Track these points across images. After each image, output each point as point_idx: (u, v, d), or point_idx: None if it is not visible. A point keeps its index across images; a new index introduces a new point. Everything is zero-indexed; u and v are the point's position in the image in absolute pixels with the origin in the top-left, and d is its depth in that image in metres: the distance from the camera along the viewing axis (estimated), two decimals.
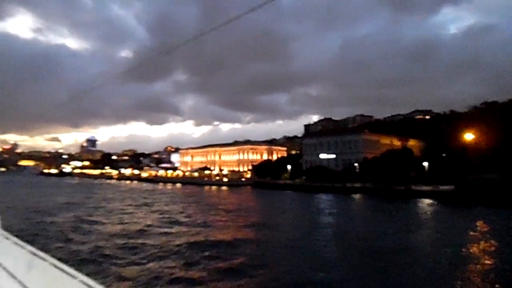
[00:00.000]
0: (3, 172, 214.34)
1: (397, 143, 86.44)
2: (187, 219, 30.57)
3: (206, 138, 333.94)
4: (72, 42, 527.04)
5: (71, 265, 3.46)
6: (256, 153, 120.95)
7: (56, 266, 3.78)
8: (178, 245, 19.89)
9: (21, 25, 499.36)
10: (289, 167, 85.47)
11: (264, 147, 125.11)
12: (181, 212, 35.34)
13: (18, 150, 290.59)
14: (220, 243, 20.71)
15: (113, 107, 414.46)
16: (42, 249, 4.46)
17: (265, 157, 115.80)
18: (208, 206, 41.89)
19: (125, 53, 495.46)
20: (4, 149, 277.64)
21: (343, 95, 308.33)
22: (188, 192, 69.31)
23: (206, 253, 18.11)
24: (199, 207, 40.32)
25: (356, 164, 71.49)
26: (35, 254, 4.40)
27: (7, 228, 6.23)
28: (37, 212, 34.09)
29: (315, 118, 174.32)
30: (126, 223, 28.25)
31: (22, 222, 27.11)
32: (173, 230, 24.86)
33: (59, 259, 3.79)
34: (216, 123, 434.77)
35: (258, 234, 23.94)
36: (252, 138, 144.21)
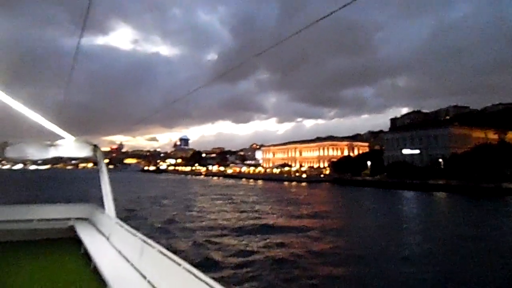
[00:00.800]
0: (111, 169, 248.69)
1: (493, 136, 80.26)
2: (260, 211, 32.68)
3: (289, 134, 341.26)
4: (165, 50, 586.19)
5: (176, 253, 3.86)
6: (337, 149, 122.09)
7: (163, 253, 4.30)
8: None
9: (122, 38, 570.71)
10: (369, 163, 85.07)
11: (345, 143, 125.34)
12: (256, 206, 37.67)
13: (124, 150, 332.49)
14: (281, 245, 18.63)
15: (202, 108, 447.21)
16: (150, 237, 5.23)
17: (346, 153, 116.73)
18: (283, 199, 45.23)
19: (211, 56, 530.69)
20: (112, 148, 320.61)
21: (435, 85, 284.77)
22: (267, 187, 74.47)
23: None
24: (273, 200, 43.82)
25: (440, 160, 68.53)
26: (145, 242, 5.01)
27: (120, 217, 7.32)
28: (138, 203, 38.21)
29: (404, 110, 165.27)
30: (212, 212, 31.82)
31: (127, 212, 28.95)
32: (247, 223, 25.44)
33: (166, 247, 4.34)
34: (299, 119, 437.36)
35: (334, 236, 21.44)
36: (336, 134, 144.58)
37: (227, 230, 22.68)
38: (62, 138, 7.41)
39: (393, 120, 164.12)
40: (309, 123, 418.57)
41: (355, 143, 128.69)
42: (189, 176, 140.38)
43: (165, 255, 4.26)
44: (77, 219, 9.35)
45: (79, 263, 6.66)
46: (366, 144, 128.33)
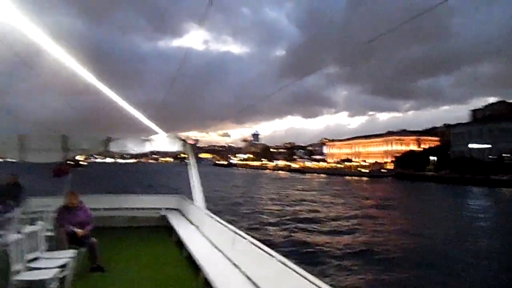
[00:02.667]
0: (187, 163, 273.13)
1: None
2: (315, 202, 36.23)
3: (362, 128, 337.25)
4: (236, 48, 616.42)
5: (265, 243, 4.23)
6: (403, 144, 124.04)
7: (255, 245, 4.68)
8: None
9: (194, 39, 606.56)
10: (432, 158, 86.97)
11: (412, 137, 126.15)
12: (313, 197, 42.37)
13: (199, 145, 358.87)
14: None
15: (271, 103, 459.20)
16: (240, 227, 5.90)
17: (412, 147, 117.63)
18: (342, 193, 48.90)
19: (279, 52, 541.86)
20: (191, 145, 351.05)
21: None
22: (328, 181, 79.16)
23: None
24: (327, 194, 46.74)
25: (504, 155, 69.13)
26: (236, 233, 5.57)
27: (208, 209, 8.18)
28: (216, 192, 41.59)
29: (491, 100, 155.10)
30: (278, 203, 35.26)
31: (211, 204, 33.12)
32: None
33: (257, 239, 4.73)
34: (371, 113, 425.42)
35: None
36: (412, 127, 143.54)
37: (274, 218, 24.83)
38: (156, 133, 8.24)
39: (474, 112, 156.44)
40: (383, 117, 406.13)
41: (423, 138, 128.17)
42: (257, 170, 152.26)
43: (257, 246, 4.59)
44: (168, 209, 10.69)
45: (172, 250, 7.53)
46: (436, 138, 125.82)
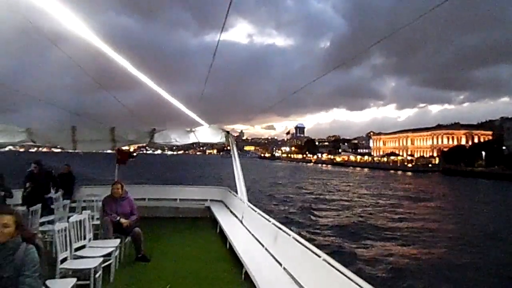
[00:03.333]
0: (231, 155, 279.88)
1: None
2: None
3: (412, 121, 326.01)
4: (280, 41, 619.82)
5: (310, 240, 4.17)
6: (452, 138, 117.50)
7: (299, 242, 4.49)
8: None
9: (240, 33, 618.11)
10: (483, 153, 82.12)
11: (462, 131, 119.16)
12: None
13: (244, 137, 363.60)
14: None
15: (316, 96, 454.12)
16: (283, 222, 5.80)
17: (463, 142, 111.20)
18: (379, 186, 50.09)
19: (324, 43, 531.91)
20: (233, 136, 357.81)
21: None
22: (370, 175, 78.90)
23: None
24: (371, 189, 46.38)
25: None
26: (280, 228, 5.38)
27: (251, 201, 8.05)
28: (260, 185, 43.60)
29: None
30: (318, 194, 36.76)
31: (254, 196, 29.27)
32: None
33: (301, 235, 4.79)
34: (421, 105, 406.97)
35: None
36: (467, 120, 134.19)
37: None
38: (200, 125, 8.22)
39: None
40: (435, 109, 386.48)
41: (475, 132, 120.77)
42: (299, 164, 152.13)
43: (301, 244, 4.38)
44: (212, 200, 10.67)
45: (216, 241, 7.60)
46: (489, 132, 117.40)
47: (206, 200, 10.61)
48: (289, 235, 4.89)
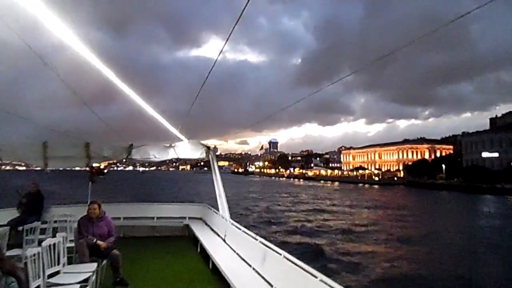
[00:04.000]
0: (205, 171, 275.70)
1: None
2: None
3: (381, 136, 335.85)
4: (253, 57, 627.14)
5: (303, 261, 3.78)
6: (417, 152, 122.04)
7: (292, 261, 4.12)
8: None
9: (213, 48, 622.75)
10: (443, 166, 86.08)
11: (426, 146, 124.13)
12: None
13: (218, 153, 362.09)
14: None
15: (289, 111, 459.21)
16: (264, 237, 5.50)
17: (426, 156, 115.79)
18: (346, 197, 53.01)
19: (295, 60, 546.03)
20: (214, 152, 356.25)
21: None
22: (339, 189, 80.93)
23: None
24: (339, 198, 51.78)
25: None
26: (268, 247, 5.02)
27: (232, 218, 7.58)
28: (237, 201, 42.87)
29: None
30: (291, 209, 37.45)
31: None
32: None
33: (291, 253, 4.22)
34: (389, 120, 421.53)
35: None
36: (432, 135, 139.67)
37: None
38: (179, 140, 7.82)
39: (493, 120, 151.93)
40: (402, 124, 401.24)
41: (437, 146, 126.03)
42: (272, 178, 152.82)
43: (294, 263, 4.03)
44: (191, 218, 10.07)
45: (197, 261, 7.11)
46: (450, 147, 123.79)
47: (185, 217, 10.06)
48: (280, 254, 4.54)
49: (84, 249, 5.33)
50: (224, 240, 7.42)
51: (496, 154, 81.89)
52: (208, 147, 8.22)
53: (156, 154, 7.64)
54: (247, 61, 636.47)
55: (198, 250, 7.79)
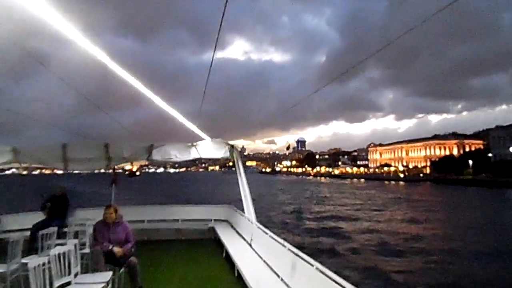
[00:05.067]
0: (232, 171, 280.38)
1: None
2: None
3: (412, 131, 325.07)
4: (277, 57, 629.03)
5: (337, 273, 3.32)
6: (444, 148, 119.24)
7: (324, 274, 3.60)
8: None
9: (237, 50, 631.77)
10: (470, 162, 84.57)
11: (454, 141, 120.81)
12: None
13: (246, 153, 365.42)
14: None
15: (315, 109, 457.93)
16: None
17: (455, 152, 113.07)
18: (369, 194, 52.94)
19: (319, 58, 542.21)
20: (238, 151, 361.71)
21: None
22: (365, 186, 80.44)
23: None
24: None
25: None
26: (297, 255, 4.45)
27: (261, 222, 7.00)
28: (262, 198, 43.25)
29: None
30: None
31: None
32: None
33: (323, 264, 3.69)
34: (420, 115, 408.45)
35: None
36: (465, 129, 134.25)
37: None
38: (201, 139, 7.53)
39: None
40: (434, 119, 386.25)
41: (467, 141, 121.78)
42: (299, 177, 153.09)
43: (329, 277, 3.51)
44: (217, 220, 9.74)
45: (222, 267, 6.67)
46: (480, 142, 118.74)
47: (210, 220, 9.73)
48: (312, 265, 3.98)
49: (99, 256, 4.93)
50: (250, 245, 6.97)
51: None
52: (232, 146, 7.78)
53: (178, 154, 7.28)
54: (272, 61, 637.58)
55: (224, 255, 7.31)
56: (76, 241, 4.97)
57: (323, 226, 24.55)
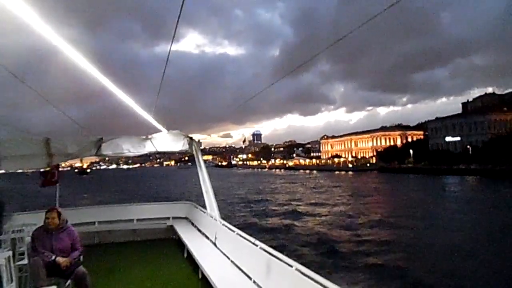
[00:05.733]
0: (189, 166, 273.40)
1: None
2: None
3: (363, 123, 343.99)
4: (231, 50, 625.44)
5: (320, 274, 3.05)
6: (389, 139, 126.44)
7: (307, 275, 3.19)
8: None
9: (191, 43, 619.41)
10: (411, 151, 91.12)
11: (398, 132, 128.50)
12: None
13: (202, 147, 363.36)
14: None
15: (269, 102, 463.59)
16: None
17: (398, 142, 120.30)
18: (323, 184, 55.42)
19: (273, 52, 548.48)
20: (197, 143, 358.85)
21: None
22: (315, 176, 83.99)
23: None
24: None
25: (468, 147, 74.08)
26: (271, 254, 3.97)
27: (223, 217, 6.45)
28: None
29: (489, 90, 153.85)
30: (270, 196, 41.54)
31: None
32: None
33: (305, 265, 3.33)
34: (369, 108, 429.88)
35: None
36: (410, 121, 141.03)
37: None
38: (157, 132, 6.89)
39: (464, 104, 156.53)
40: (382, 111, 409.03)
41: (409, 132, 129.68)
42: (255, 170, 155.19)
43: (312, 278, 3.09)
44: (176, 218, 9.09)
45: (184, 269, 6.22)
46: (420, 132, 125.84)
47: (169, 218, 9.01)
48: (290, 265, 3.50)
49: (39, 269, 4.18)
50: (214, 244, 6.38)
51: (458, 138, 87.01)
52: (191, 138, 7.17)
53: (131, 148, 6.57)
54: (226, 54, 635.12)
55: (185, 255, 6.82)
56: (9, 253, 4.03)
57: (272, 210, 28.08)
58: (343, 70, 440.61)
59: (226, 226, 6.03)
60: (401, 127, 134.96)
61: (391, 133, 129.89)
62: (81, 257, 4.75)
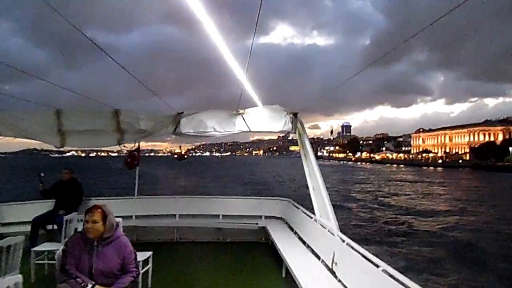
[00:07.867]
0: (275, 156, 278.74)
1: None
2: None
3: (466, 116, 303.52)
4: (321, 40, 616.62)
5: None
6: (489, 134, 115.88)
7: None
8: None
9: (280, 35, 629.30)
10: (510, 149, 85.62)
11: (499, 127, 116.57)
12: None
13: (289, 138, 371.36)
14: None
15: (359, 93, 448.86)
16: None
17: (500, 138, 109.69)
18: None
19: (364, 41, 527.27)
20: (278, 137, 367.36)
21: None
22: (401, 171, 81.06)
23: None
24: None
25: None
26: (395, 279, 2.73)
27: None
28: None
29: None
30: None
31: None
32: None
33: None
34: (473, 99, 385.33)
35: None
36: None
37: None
38: (253, 106, 4.97)
39: None
40: (490, 102, 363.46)
41: None
42: (340, 162, 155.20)
43: None
44: (269, 217, 7.58)
45: (278, 281, 5.02)
46: None
47: (260, 217, 7.56)
48: None
49: None
50: (330, 270, 4.22)
51: None
52: (295, 114, 4.79)
53: (216, 126, 4.67)
54: (315, 45, 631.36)
55: (283, 273, 5.16)
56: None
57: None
58: (442, 58, 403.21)
59: (351, 247, 3.78)
60: (507, 122, 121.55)
61: (492, 128, 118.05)
62: (136, 277, 3.04)
